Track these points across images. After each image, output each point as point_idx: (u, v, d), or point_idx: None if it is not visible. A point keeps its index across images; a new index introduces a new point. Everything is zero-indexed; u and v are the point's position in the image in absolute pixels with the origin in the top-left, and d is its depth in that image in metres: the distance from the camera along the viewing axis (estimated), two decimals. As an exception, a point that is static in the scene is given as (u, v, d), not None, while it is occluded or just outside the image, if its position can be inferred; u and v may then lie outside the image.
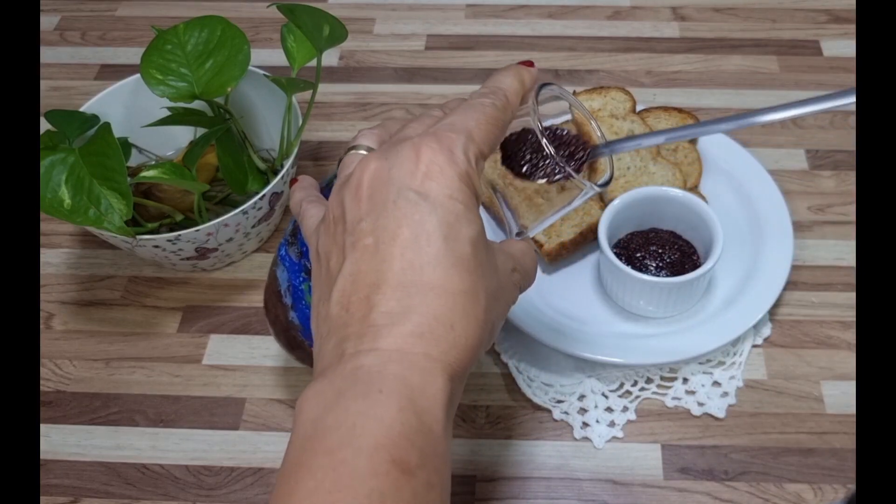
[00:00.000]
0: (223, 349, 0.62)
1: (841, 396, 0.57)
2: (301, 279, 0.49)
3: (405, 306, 0.33)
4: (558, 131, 0.46)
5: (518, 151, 0.45)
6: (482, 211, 0.45)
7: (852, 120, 0.74)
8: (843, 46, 0.81)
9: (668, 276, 0.59)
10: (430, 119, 0.38)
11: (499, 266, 0.37)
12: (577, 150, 0.45)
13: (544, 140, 0.38)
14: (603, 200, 0.64)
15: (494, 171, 0.43)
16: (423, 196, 0.34)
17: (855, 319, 0.61)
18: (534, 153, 0.43)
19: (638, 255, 0.60)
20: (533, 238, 0.62)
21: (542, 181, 0.43)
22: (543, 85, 0.40)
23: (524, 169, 0.44)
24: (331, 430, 0.31)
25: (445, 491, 0.32)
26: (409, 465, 0.30)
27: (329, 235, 0.36)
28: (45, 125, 0.63)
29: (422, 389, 0.32)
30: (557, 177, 0.43)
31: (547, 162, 0.42)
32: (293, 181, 0.45)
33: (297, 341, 0.51)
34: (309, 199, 0.42)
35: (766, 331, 0.60)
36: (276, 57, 0.73)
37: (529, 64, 0.41)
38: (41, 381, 0.60)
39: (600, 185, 0.40)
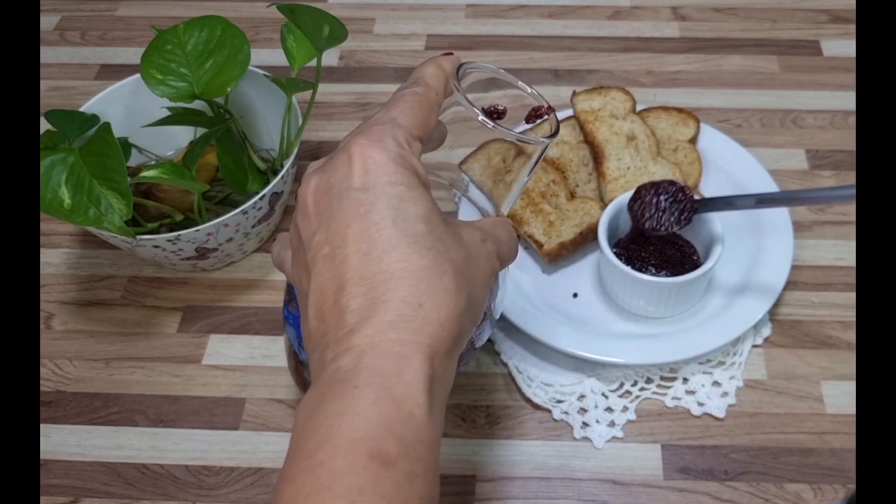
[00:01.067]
0: (223, 349, 0.62)
1: (841, 396, 0.57)
2: None
3: (371, 299, 0.33)
4: (676, 187, 0.58)
5: (639, 210, 0.58)
6: (468, 205, 0.44)
7: (852, 120, 0.74)
8: (843, 46, 0.81)
9: (668, 276, 0.59)
10: (362, 124, 0.39)
11: (464, 238, 0.36)
12: (685, 206, 0.57)
13: (476, 109, 0.39)
14: (603, 201, 0.64)
15: (485, 172, 0.43)
16: (364, 190, 0.34)
17: (855, 319, 0.61)
18: (650, 206, 0.58)
19: (638, 255, 0.60)
20: (533, 238, 0.62)
21: (667, 230, 0.58)
22: (463, 64, 0.41)
23: (646, 224, 0.58)
24: (310, 434, 0.31)
25: (431, 480, 0.31)
26: (388, 455, 0.30)
27: (296, 264, 0.37)
28: (45, 125, 0.63)
29: (398, 375, 0.31)
30: (682, 225, 0.57)
31: (664, 214, 0.57)
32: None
33: None
34: (285, 247, 0.42)
35: (766, 331, 0.60)
36: (276, 57, 0.73)
37: (449, 54, 0.42)
38: (41, 381, 0.60)
39: (548, 137, 0.41)
